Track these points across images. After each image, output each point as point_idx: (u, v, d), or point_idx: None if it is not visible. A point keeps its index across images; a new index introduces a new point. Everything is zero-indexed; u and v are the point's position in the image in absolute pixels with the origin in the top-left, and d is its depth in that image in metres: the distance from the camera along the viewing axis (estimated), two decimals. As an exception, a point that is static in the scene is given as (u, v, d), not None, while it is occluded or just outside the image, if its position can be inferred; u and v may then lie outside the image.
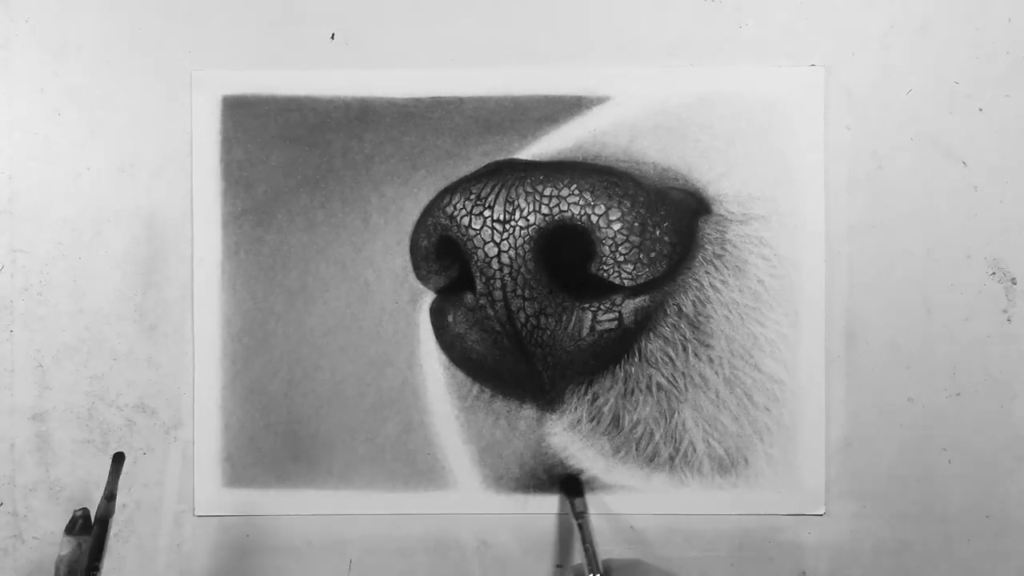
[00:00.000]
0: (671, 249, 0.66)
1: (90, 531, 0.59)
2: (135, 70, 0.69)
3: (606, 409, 0.68)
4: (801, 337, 0.68)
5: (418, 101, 0.69)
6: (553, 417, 0.69)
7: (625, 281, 0.66)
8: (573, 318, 0.66)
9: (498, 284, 0.66)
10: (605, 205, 0.66)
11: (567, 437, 0.69)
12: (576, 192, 0.66)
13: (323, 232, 0.69)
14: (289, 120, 0.69)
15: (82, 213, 0.69)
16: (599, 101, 0.69)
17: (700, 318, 0.67)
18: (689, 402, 0.68)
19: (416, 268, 0.69)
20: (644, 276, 0.66)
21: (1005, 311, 0.68)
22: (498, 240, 0.66)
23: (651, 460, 0.68)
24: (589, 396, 0.68)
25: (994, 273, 0.68)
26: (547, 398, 0.68)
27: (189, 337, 0.68)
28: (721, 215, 0.67)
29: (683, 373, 0.68)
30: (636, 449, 0.68)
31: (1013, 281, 0.68)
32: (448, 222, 0.67)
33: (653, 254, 0.66)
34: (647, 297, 0.67)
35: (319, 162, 0.69)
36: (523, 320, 0.66)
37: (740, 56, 0.69)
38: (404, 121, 0.69)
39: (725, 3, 0.69)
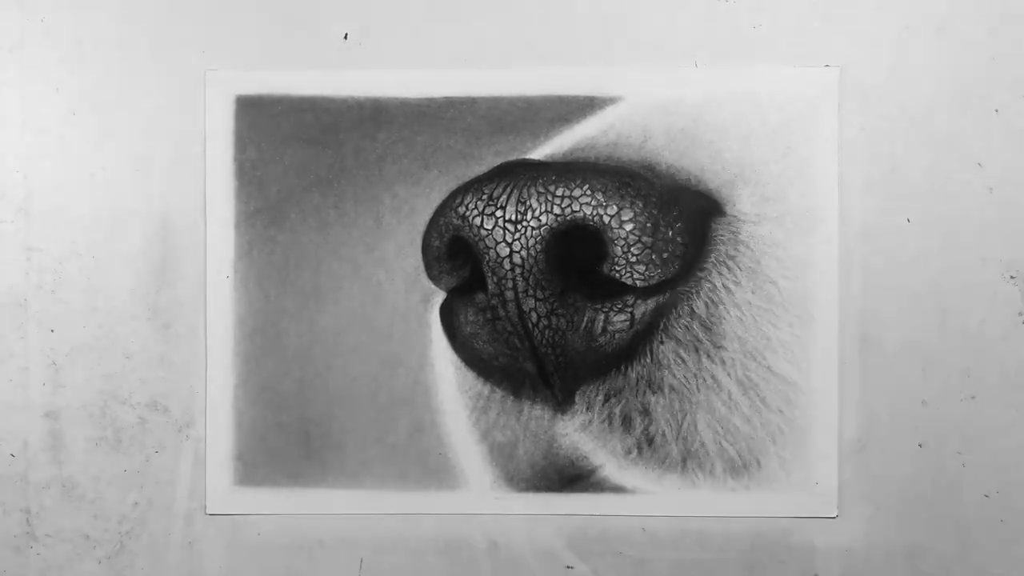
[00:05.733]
0: (683, 250, 0.66)
1: None
2: (149, 70, 0.69)
3: (617, 410, 0.68)
4: (814, 339, 0.67)
5: (431, 101, 0.69)
6: (564, 418, 0.68)
7: (637, 282, 0.66)
8: (585, 319, 0.66)
9: (510, 284, 0.66)
10: (617, 205, 0.66)
11: (578, 438, 0.68)
12: (588, 192, 0.66)
13: (335, 232, 0.69)
14: (302, 120, 0.69)
15: (96, 212, 0.69)
16: (611, 101, 0.69)
17: (712, 319, 0.67)
18: (701, 404, 0.67)
19: (428, 268, 0.69)
20: (656, 277, 0.66)
21: (1021, 314, 0.68)
22: (510, 240, 0.66)
23: (663, 462, 0.68)
24: (600, 397, 0.68)
25: (1013, 276, 0.68)
26: (558, 399, 0.68)
27: (202, 336, 0.69)
28: (734, 216, 0.67)
29: (695, 374, 0.67)
30: (648, 450, 0.68)
31: (1029, 283, 0.68)
32: (460, 222, 0.67)
33: (665, 255, 0.66)
34: (659, 298, 0.66)
35: (332, 162, 0.69)
36: (534, 320, 0.66)
37: (754, 56, 0.68)
38: (417, 121, 0.69)
39: (738, 3, 0.69)
